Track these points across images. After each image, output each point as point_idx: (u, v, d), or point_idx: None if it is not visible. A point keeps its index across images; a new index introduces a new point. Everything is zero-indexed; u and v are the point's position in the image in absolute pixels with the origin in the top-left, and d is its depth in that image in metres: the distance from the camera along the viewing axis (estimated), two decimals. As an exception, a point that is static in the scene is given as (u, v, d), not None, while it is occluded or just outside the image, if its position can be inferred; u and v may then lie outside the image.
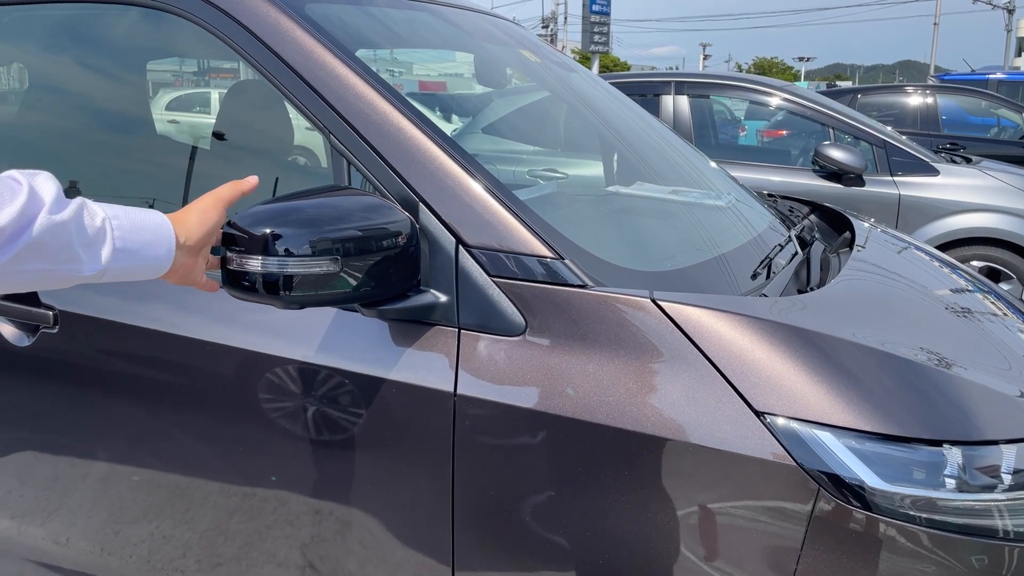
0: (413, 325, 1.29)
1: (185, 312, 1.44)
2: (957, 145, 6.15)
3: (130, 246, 1.00)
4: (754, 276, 1.50)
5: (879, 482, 1.10)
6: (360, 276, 1.19)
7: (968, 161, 5.05)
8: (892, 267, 1.77)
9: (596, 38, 25.56)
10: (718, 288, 1.42)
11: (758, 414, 1.13)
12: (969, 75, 11.78)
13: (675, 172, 2.13)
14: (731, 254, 1.56)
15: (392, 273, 1.23)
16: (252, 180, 1.17)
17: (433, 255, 1.28)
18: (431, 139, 1.31)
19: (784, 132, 6.50)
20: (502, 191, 1.30)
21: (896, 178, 4.71)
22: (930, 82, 11.87)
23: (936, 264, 1.99)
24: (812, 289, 1.47)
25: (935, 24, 28.55)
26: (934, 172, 4.70)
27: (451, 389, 1.26)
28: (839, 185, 4.71)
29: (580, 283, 1.24)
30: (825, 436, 1.11)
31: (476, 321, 1.26)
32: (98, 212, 0.98)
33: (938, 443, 1.11)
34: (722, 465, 1.13)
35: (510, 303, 1.25)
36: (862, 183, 4.70)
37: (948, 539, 1.09)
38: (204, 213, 1.11)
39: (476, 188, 1.29)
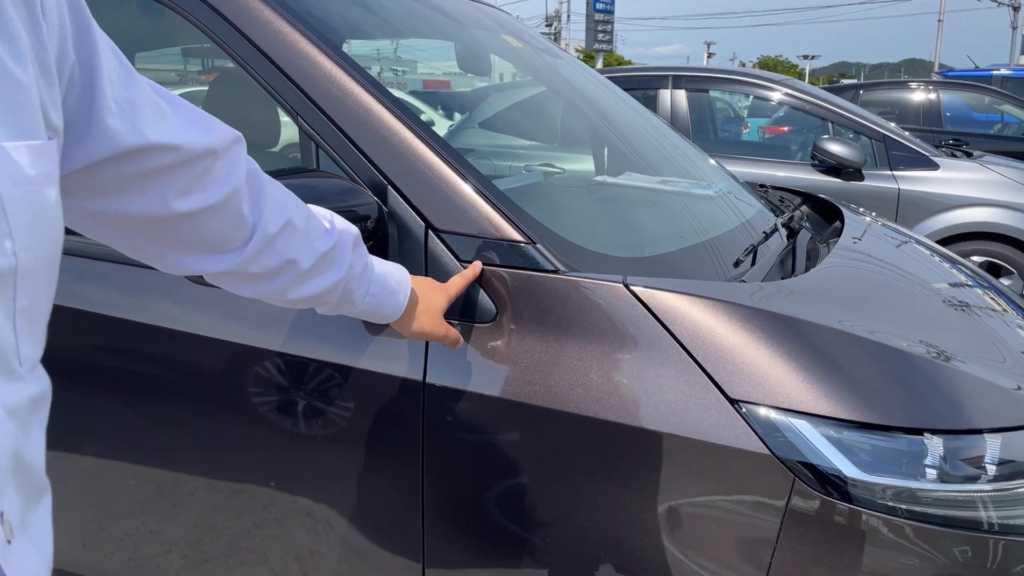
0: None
1: (159, 302, 1.41)
2: (960, 141, 6.10)
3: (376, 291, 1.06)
4: (737, 263, 1.46)
5: (857, 472, 1.06)
6: None
7: (969, 156, 4.99)
8: (880, 255, 1.73)
9: (600, 36, 25.51)
10: (699, 275, 1.39)
11: (733, 402, 1.09)
12: (973, 71, 11.70)
13: (665, 162, 2.10)
14: (714, 241, 1.52)
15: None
16: (478, 266, 1.21)
17: (402, 240, 1.25)
18: (401, 121, 1.28)
19: (784, 128, 6.45)
20: (474, 175, 1.27)
21: (895, 172, 4.67)
22: (933, 78, 11.80)
23: (930, 255, 1.95)
24: (795, 276, 1.43)
25: (939, 21, 28.44)
26: (934, 166, 4.65)
27: (420, 377, 1.22)
28: (838, 180, 4.66)
29: (552, 268, 1.20)
30: (802, 424, 1.07)
31: (452, 308, 1.23)
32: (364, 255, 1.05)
33: (919, 432, 1.08)
34: (696, 455, 1.09)
35: (481, 289, 1.22)
36: (861, 177, 4.65)
37: (930, 531, 1.06)
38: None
39: (446, 172, 1.25)
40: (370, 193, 1.24)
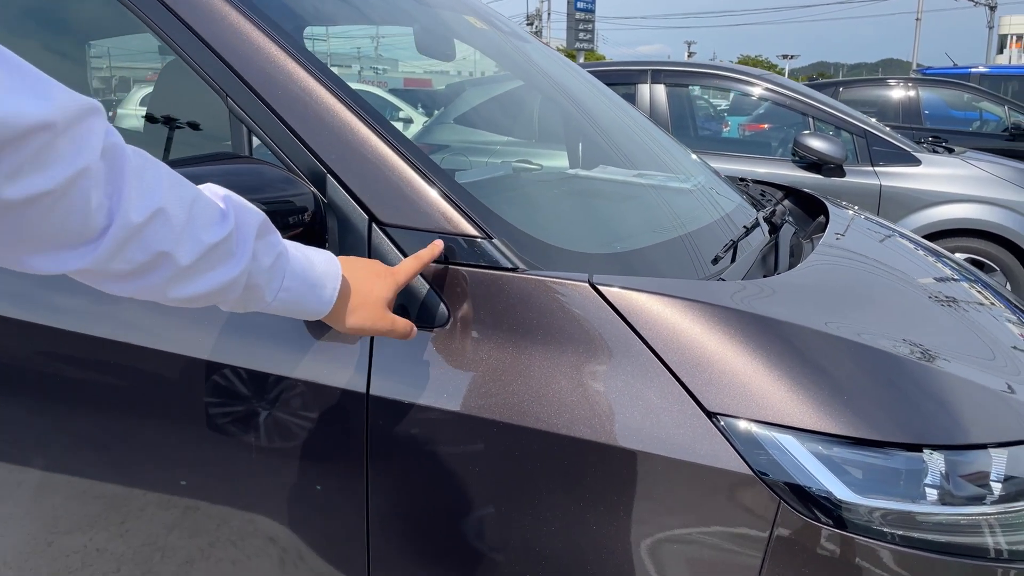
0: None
1: (95, 311, 1.26)
2: (939, 138, 6.05)
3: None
4: (716, 260, 1.34)
5: (850, 494, 0.94)
6: None
7: (950, 151, 4.92)
8: (867, 252, 1.62)
9: (581, 35, 25.46)
10: (674, 273, 1.27)
11: (710, 415, 0.97)
12: (952, 69, 11.71)
13: (642, 154, 1.97)
14: (691, 236, 1.40)
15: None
16: (438, 244, 1.08)
17: (342, 234, 1.12)
18: (343, 102, 1.14)
19: (764, 125, 6.38)
20: (423, 162, 1.14)
21: (877, 168, 4.59)
22: (912, 75, 11.81)
23: (917, 250, 1.84)
24: (777, 274, 1.32)
25: (917, 20, 28.59)
26: (916, 162, 4.58)
27: (363, 389, 1.09)
28: (819, 176, 4.58)
29: (511, 266, 1.08)
30: (787, 440, 0.96)
31: (392, 310, 1.10)
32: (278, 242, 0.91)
33: (918, 448, 0.96)
34: (669, 474, 0.97)
35: (430, 289, 1.09)
36: (842, 173, 4.57)
37: (931, 560, 0.94)
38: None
39: (392, 158, 1.12)
40: (307, 182, 1.11)
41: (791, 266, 1.44)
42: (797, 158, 4.62)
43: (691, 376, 0.98)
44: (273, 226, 0.89)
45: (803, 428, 0.95)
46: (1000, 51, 34.70)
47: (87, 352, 1.25)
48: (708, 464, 0.96)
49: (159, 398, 1.22)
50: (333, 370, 1.11)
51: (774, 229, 1.67)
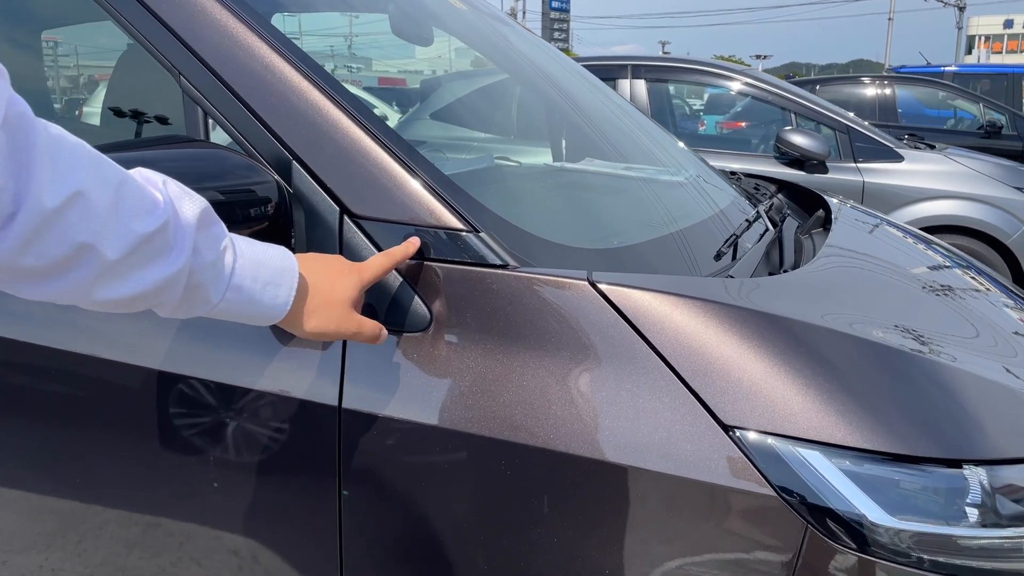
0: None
1: (51, 318, 1.13)
2: (916, 136, 6.03)
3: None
4: (718, 256, 1.24)
5: (883, 516, 0.84)
6: None
7: (932, 148, 4.89)
8: (877, 248, 1.53)
9: (556, 35, 25.42)
10: (676, 270, 1.16)
11: (726, 428, 0.86)
12: (925, 68, 11.78)
13: (630, 146, 1.87)
14: (690, 231, 1.30)
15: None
16: (414, 242, 0.96)
17: (310, 228, 1.00)
18: (311, 81, 1.02)
19: (742, 123, 6.32)
20: (403, 149, 1.02)
21: (860, 164, 4.53)
22: (884, 73, 11.88)
23: (920, 244, 1.75)
24: (786, 271, 1.22)
25: (889, 19, 28.87)
26: (898, 158, 4.53)
27: (335, 401, 0.97)
28: (802, 172, 4.51)
29: (500, 262, 0.96)
30: (813, 457, 0.85)
31: (366, 313, 0.98)
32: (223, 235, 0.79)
33: (957, 463, 0.86)
34: (680, 495, 0.86)
35: (410, 289, 0.97)
36: (825, 170, 4.51)
37: None
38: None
39: (366, 143, 1.00)
40: (269, 170, 0.99)
41: (798, 263, 1.34)
42: (779, 154, 4.55)
43: (704, 385, 0.88)
44: (216, 216, 0.77)
45: (830, 443, 0.85)
46: (969, 51, 35.23)
47: (41, 362, 1.12)
48: (725, 484, 0.85)
49: (116, 411, 1.09)
50: (301, 380, 0.99)
51: (775, 224, 1.58)
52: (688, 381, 0.88)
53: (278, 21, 1.62)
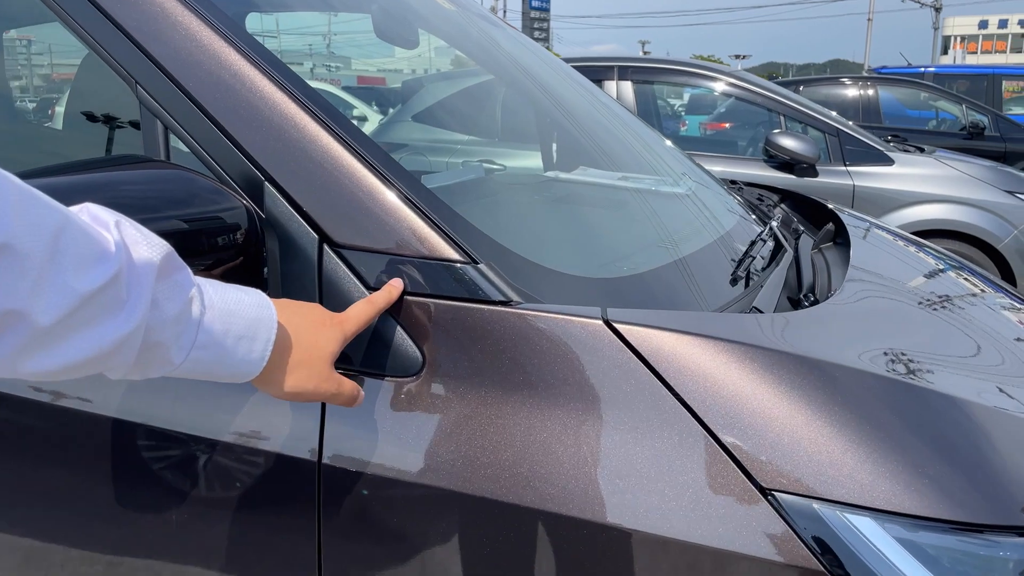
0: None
1: None
2: (900, 137, 5.98)
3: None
4: (734, 281, 1.13)
5: (945, 592, 0.73)
6: None
7: (921, 151, 4.83)
8: (897, 268, 1.42)
9: (536, 35, 25.39)
10: (692, 300, 1.05)
11: (764, 492, 0.76)
12: (906, 69, 11.80)
13: (625, 153, 1.76)
14: (704, 253, 1.19)
15: (224, 287, 0.82)
16: (397, 285, 0.85)
17: (285, 259, 0.88)
18: (287, 92, 0.90)
19: (726, 124, 6.26)
20: (390, 169, 0.90)
21: (850, 168, 4.46)
22: (864, 74, 11.91)
23: (931, 258, 1.65)
24: (814, 301, 1.11)
25: (869, 20, 29.00)
26: (888, 162, 4.46)
27: (314, 456, 0.86)
28: (791, 176, 4.43)
29: (502, 298, 0.85)
30: (864, 524, 0.74)
31: (355, 357, 0.87)
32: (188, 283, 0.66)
33: (1026, 530, 0.76)
34: (712, 569, 0.75)
35: (400, 329, 0.86)
36: (815, 173, 4.43)
37: None
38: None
39: (349, 163, 0.88)
40: (238, 193, 0.87)
41: (818, 286, 1.24)
42: (768, 157, 4.47)
43: (738, 441, 0.77)
44: (180, 260, 0.65)
45: (883, 509, 0.74)
46: (944, 51, 35.62)
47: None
48: (763, 556, 0.74)
49: (77, 463, 0.96)
50: (276, 431, 0.87)
51: (786, 241, 1.47)
52: (719, 436, 0.77)
53: (253, 22, 1.50)
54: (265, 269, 0.88)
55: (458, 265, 0.85)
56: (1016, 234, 4.22)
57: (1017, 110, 10.87)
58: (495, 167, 1.81)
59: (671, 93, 9.88)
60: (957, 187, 4.33)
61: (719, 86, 4.86)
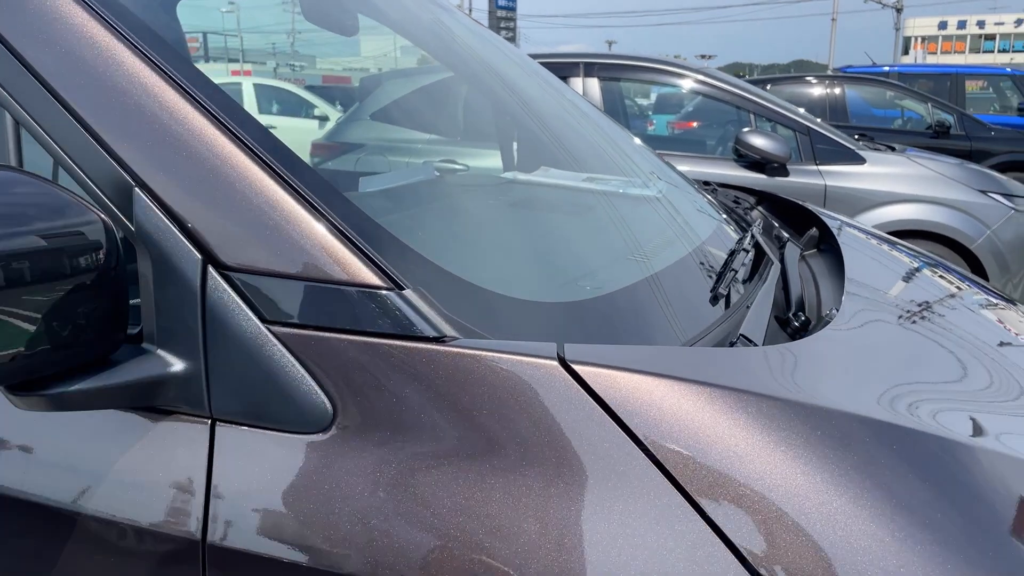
0: (125, 417, 0.71)
1: None
2: (866, 135, 5.92)
3: None
4: (715, 300, 0.97)
5: None
6: (11, 331, 0.61)
7: (892, 149, 4.75)
8: (892, 280, 1.27)
9: (503, 34, 25.30)
10: (666, 326, 0.89)
11: (761, 579, 0.59)
12: (871, 68, 11.83)
13: (591, 153, 1.59)
14: (678, 268, 1.02)
15: (76, 321, 0.64)
16: None
17: (160, 285, 0.69)
18: (163, 73, 0.72)
19: (693, 123, 6.15)
20: (296, 171, 0.72)
21: (821, 167, 4.36)
22: (829, 72, 11.95)
23: (922, 264, 1.51)
24: (805, 321, 0.95)
25: (833, 20, 29.22)
26: (860, 160, 4.36)
27: (197, 532, 0.68)
28: (762, 175, 4.31)
29: (434, 333, 0.68)
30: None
31: (241, 406, 0.69)
32: None
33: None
34: None
35: (305, 373, 0.68)
36: (786, 173, 4.32)
37: None
38: None
39: (242, 162, 0.70)
40: (92, 206, 0.68)
41: (810, 305, 1.08)
42: (738, 157, 4.35)
43: (732, 518, 0.60)
44: None
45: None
46: (905, 52, 36.17)
47: None
48: (764, 666, 0.58)
49: None
50: (151, 504, 0.69)
51: (774, 253, 1.31)
52: (704, 507, 0.61)
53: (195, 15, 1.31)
54: (132, 296, 0.70)
55: (380, 292, 0.68)
56: (989, 234, 4.15)
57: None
58: (449, 167, 1.64)
59: (638, 92, 9.77)
60: (930, 186, 4.25)
61: (688, 83, 4.73)
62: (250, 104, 8.38)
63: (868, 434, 0.65)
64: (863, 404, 0.70)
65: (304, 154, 3.07)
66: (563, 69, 4.78)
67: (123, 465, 0.71)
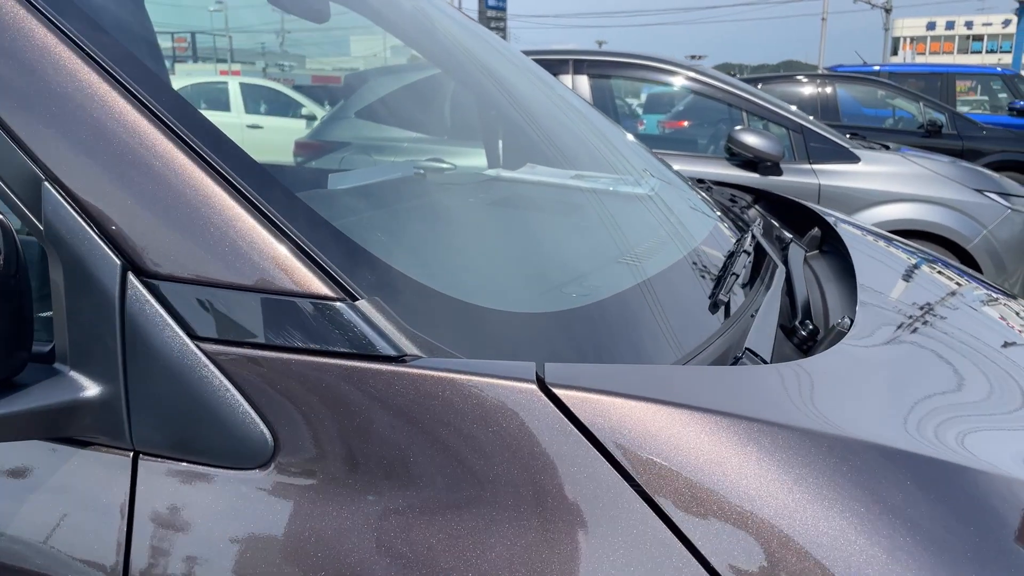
0: (31, 448, 0.61)
1: None
2: (858, 134, 5.86)
3: None
4: (715, 307, 0.88)
5: None
6: None
7: (886, 148, 4.68)
8: (899, 282, 1.18)
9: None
10: (661, 338, 0.79)
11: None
12: (861, 67, 11.79)
13: (581, 150, 1.50)
14: (673, 272, 0.93)
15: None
16: None
17: (73, 295, 0.59)
18: (74, 44, 0.62)
19: (685, 123, 6.08)
20: (232, 156, 0.62)
21: (815, 166, 4.28)
22: (820, 71, 11.92)
23: (927, 266, 1.42)
24: (812, 331, 0.86)
25: (823, 19, 29.23)
26: (854, 159, 4.28)
27: (119, 583, 0.58)
28: (755, 174, 4.23)
29: (391, 352, 0.58)
30: None
31: (167, 437, 0.59)
32: None
33: None
34: None
35: (241, 399, 0.58)
36: (779, 172, 4.24)
37: None
38: None
39: (170, 154, 0.60)
40: None
41: (816, 312, 0.99)
42: (730, 155, 4.27)
43: (726, 558, 0.51)
44: None
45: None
46: (894, 52, 36.32)
47: None
48: None
49: None
50: (65, 553, 0.59)
51: (763, 255, 1.22)
52: (708, 558, 0.52)
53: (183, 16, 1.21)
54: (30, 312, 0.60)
55: (329, 303, 0.58)
56: (986, 234, 4.08)
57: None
58: (432, 166, 1.54)
59: (629, 91, 9.69)
60: (925, 186, 4.17)
61: (679, 81, 4.65)
62: (236, 104, 8.25)
63: (905, 471, 0.56)
64: (892, 435, 0.61)
65: (287, 154, 2.97)
66: (552, 66, 4.68)
67: (30, 506, 0.61)
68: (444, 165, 1.56)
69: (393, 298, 0.60)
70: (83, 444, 0.61)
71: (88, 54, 0.62)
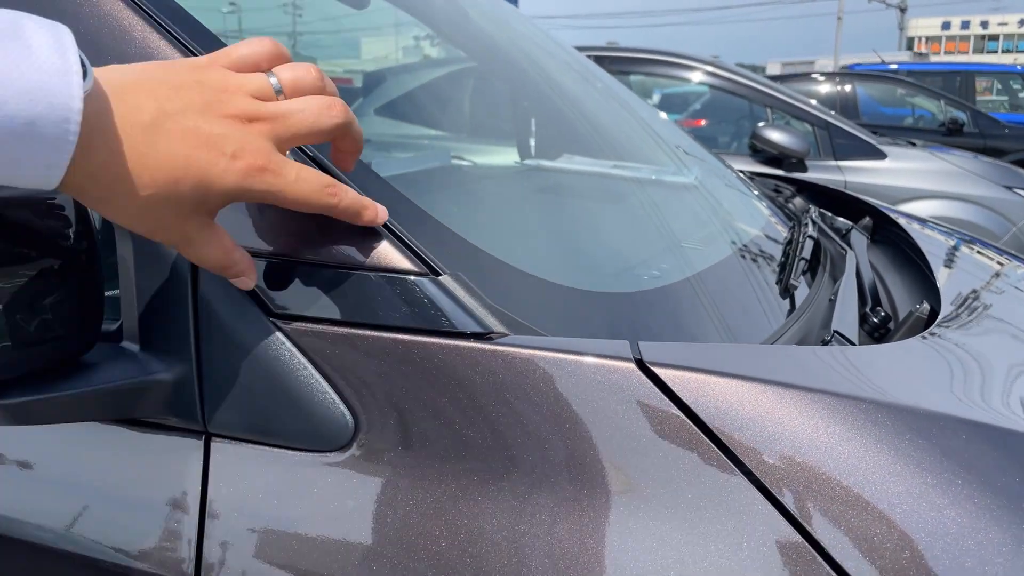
0: (100, 430, 0.58)
1: None
2: (878, 132, 5.80)
3: None
4: (786, 290, 0.84)
5: None
6: None
7: (912, 145, 4.62)
8: (974, 268, 1.14)
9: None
10: (741, 322, 0.76)
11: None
12: (878, 66, 11.71)
13: (622, 139, 1.46)
14: (744, 255, 0.90)
15: (40, 315, 0.52)
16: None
17: (143, 271, 0.57)
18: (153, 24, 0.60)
19: (702, 122, 6.03)
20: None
21: (840, 163, 4.23)
22: (843, 70, 11.84)
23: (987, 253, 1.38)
24: (886, 323, 0.82)
25: (839, 18, 29.06)
26: (881, 156, 4.23)
27: (190, 569, 0.55)
28: (779, 171, 4.19)
29: (479, 328, 0.55)
30: None
31: (242, 419, 0.56)
32: None
33: None
34: None
35: (321, 378, 0.55)
36: (804, 168, 4.19)
37: None
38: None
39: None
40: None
41: (886, 303, 0.96)
42: (754, 152, 4.22)
43: (853, 559, 0.48)
44: None
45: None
46: (909, 50, 36.07)
47: None
48: None
49: None
50: (136, 538, 0.57)
51: (840, 241, 1.18)
52: (819, 539, 0.48)
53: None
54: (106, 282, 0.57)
55: (410, 278, 0.55)
56: (1015, 231, 4.02)
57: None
58: (464, 159, 1.52)
59: (641, 91, 9.64)
60: (953, 182, 4.12)
61: (700, 76, 4.61)
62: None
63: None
64: (1001, 413, 0.57)
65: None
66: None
67: (100, 489, 0.58)
68: (479, 157, 1.53)
69: (475, 275, 0.57)
70: (152, 426, 0.58)
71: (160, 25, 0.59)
